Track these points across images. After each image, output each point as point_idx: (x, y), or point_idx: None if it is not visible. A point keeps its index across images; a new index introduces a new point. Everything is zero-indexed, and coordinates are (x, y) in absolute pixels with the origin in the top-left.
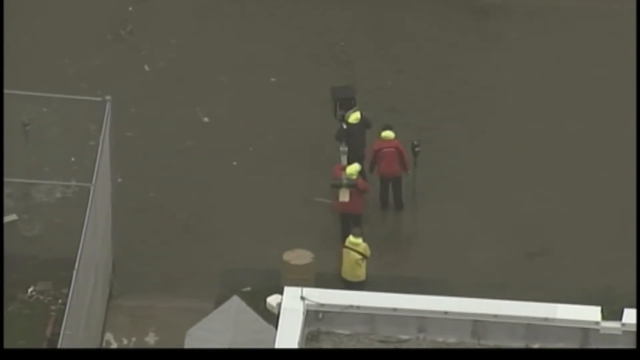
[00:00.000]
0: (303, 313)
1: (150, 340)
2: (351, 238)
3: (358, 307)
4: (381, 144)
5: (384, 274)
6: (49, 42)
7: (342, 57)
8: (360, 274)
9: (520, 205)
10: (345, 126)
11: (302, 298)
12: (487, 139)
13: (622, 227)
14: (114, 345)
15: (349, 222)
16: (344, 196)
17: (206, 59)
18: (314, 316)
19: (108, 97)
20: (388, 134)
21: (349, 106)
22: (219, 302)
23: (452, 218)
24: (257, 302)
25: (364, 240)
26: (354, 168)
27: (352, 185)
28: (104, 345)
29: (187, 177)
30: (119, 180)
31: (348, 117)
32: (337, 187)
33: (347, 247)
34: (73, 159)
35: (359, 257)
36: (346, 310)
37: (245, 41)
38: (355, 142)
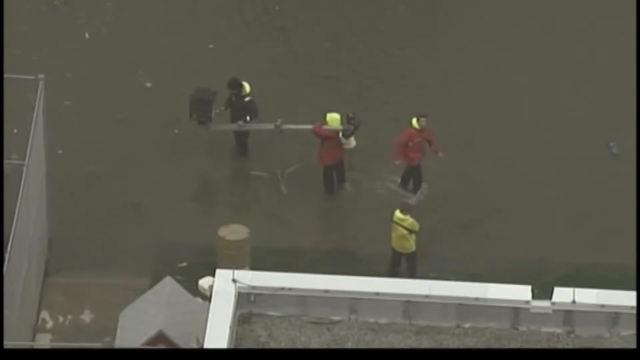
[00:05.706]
0: (235, 295)
1: (86, 319)
2: (398, 213)
3: (290, 289)
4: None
5: (318, 247)
6: None
7: (277, 23)
8: (409, 246)
9: (454, 176)
10: (250, 98)
11: (234, 280)
12: (421, 109)
13: (556, 198)
14: (50, 324)
15: (332, 173)
16: (352, 142)
17: (143, 22)
18: (245, 298)
19: (41, 76)
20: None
21: (209, 107)
22: (154, 278)
23: (385, 189)
24: (193, 278)
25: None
26: (337, 116)
27: (357, 127)
28: (39, 324)
29: (128, 147)
30: (59, 152)
31: (245, 91)
32: (350, 134)
33: (395, 223)
34: (15, 131)
35: (405, 232)
36: (278, 292)
37: (181, 2)
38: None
